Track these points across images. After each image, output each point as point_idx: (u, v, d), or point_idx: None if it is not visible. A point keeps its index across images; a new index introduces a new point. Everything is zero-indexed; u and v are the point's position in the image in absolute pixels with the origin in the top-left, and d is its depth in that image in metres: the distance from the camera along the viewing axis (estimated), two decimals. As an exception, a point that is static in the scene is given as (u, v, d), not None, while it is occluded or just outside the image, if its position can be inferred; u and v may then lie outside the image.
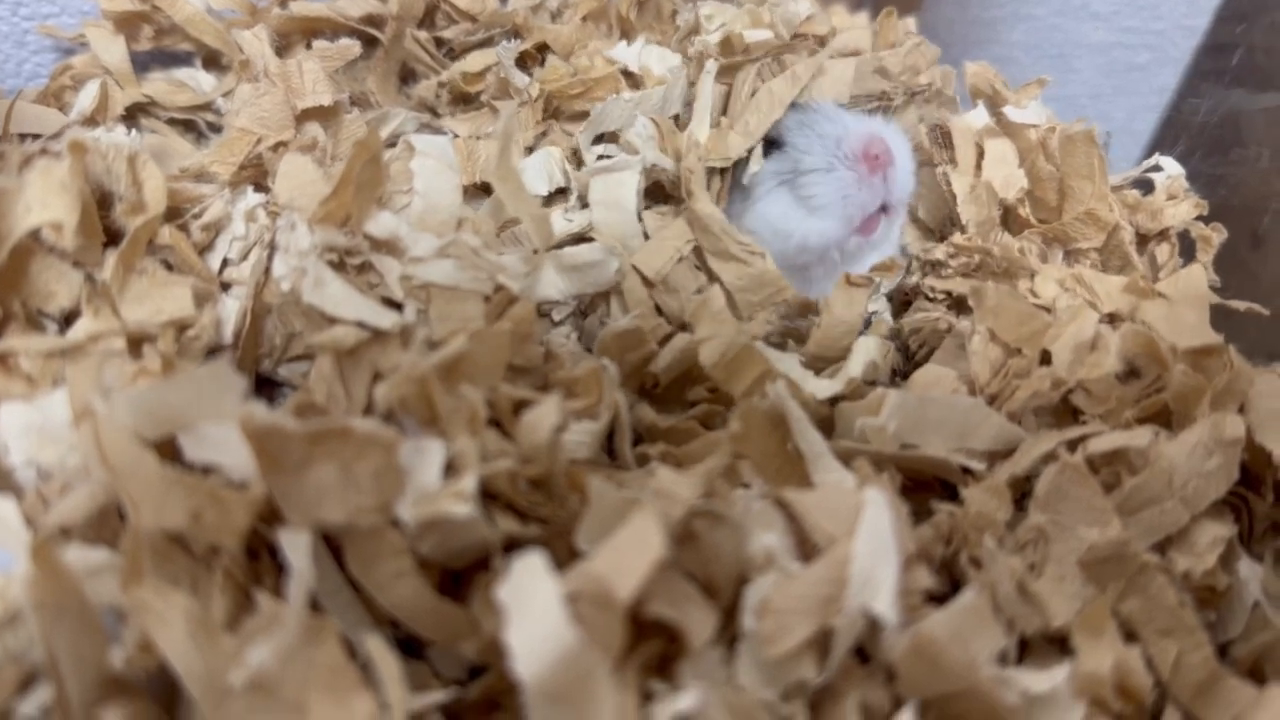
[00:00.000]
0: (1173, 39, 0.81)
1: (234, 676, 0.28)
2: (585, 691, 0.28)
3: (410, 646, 0.34)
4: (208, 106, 0.57)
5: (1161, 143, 0.63)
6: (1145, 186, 0.49)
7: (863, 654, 0.33)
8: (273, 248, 0.41)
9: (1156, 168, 0.48)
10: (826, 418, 0.43)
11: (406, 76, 0.60)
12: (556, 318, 0.47)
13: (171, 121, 0.57)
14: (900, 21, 0.61)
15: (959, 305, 0.48)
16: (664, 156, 0.48)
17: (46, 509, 0.33)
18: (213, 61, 0.59)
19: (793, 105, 0.49)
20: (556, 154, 0.50)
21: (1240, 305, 0.44)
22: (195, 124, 0.58)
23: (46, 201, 0.35)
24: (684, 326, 0.45)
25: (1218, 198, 0.47)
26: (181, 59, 0.60)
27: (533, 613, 0.28)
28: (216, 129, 0.57)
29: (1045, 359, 0.43)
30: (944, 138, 0.53)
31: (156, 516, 0.29)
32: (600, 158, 0.48)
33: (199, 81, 0.58)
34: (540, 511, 0.35)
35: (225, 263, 0.43)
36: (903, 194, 0.48)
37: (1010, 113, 0.52)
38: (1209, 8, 0.71)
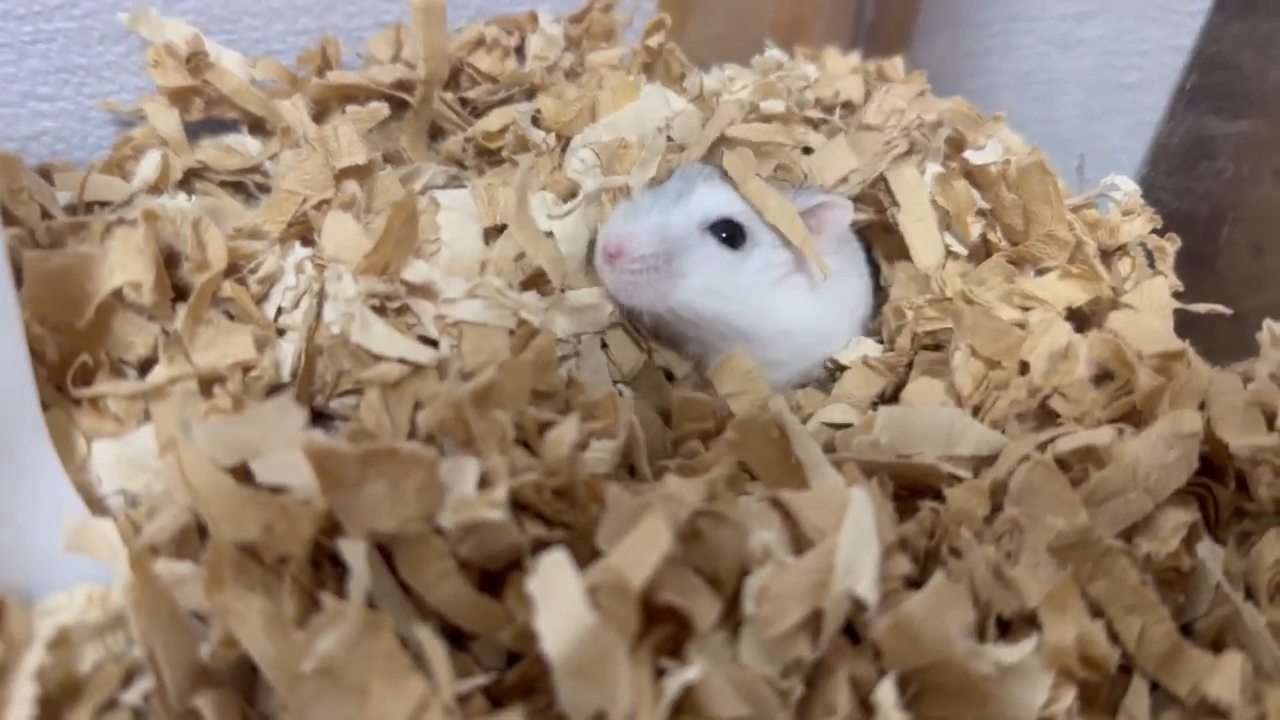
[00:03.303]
0: (1159, 59, 0.85)
1: (305, 665, 0.33)
2: (605, 668, 0.32)
3: (454, 639, 0.38)
4: (255, 169, 0.63)
5: (1153, 158, 0.67)
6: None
7: (853, 634, 0.37)
8: (322, 296, 0.46)
9: (1114, 186, 0.52)
10: (829, 439, 0.47)
11: (435, 133, 0.65)
12: (559, 354, 0.51)
13: (222, 184, 0.63)
14: (890, 63, 0.66)
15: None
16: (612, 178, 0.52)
17: (135, 529, 0.38)
18: (257, 127, 0.65)
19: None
20: (549, 197, 0.54)
21: (1203, 308, 0.48)
22: (245, 185, 0.63)
23: (127, 264, 0.40)
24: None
25: (1189, 208, 0.51)
26: (229, 126, 0.66)
27: (558, 602, 0.33)
28: (264, 189, 0.62)
29: (1023, 369, 0.47)
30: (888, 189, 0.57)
31: (234, 530, 0.34)
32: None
33: (246, 146, 0.64)
34: (564, 518, 0.39)
35: (279, 311, 0.48)
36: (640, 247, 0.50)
37: (972, 155, 0.56)
38: (1193, 28, 0.74)
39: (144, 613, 0.33)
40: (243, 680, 0.35)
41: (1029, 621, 0.40)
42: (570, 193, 0.54)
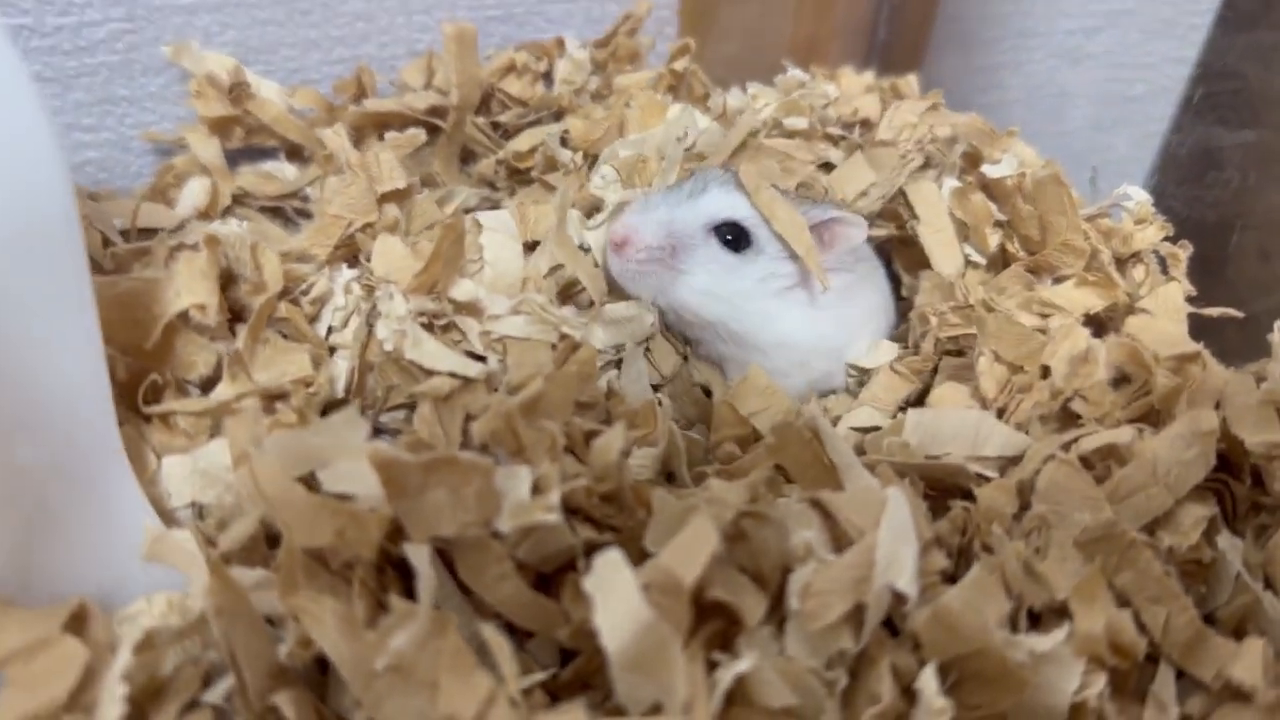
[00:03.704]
0: (1164, 70, 0.87)
1: (378, 663, 0.35)
2: (661, 661, 0.34)
3: (512, 639, 0.40)
4: (294, 194, 0.65)
5: (1163, 167, 0.69)
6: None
7: (892, 627, 0.39)
8: (373, 315, 0.48)
9: (1127, 196, 0.54)
10: (859, 442, 0.49)
11: (466, 157, 0.68)
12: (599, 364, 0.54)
13: (262, 209, 0.65)
14: (905, 81, 0.68)
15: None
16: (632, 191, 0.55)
17: (206, 540, 0.40)
18: (295, 154, 0.67)
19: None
20: (576, 214, 0.56)
21: (1214, 312, 0.50)
22: (283, 210, 0.66)
23: (192, 287, 0.42)
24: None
25: (1198, 216, 0.53)
26: (265, 154, 0.68)
27: (615, 599, 0.35)
28: (303, 214, 0.65)
29: (1044, 373, 0.48)
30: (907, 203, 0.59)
31: (307, 536, 0.36)
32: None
33: (284, 173, 0.66)
34: (613, 521, 0.41)
35: (330, 330, 0.50)
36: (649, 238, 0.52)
37: (988, 169, 0.58)
38: (1197, 40, 0.77)
39: (225, 616, 0.35)
40: (314, 680, 0.37)
41: (1058, 613, 0.41)
42: (595, 208, 0.57)
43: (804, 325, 0.54)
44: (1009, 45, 0.83)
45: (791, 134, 0.55)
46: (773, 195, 0.51)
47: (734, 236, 0.52)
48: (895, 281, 0.60)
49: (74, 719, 0.34)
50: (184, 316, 0.43)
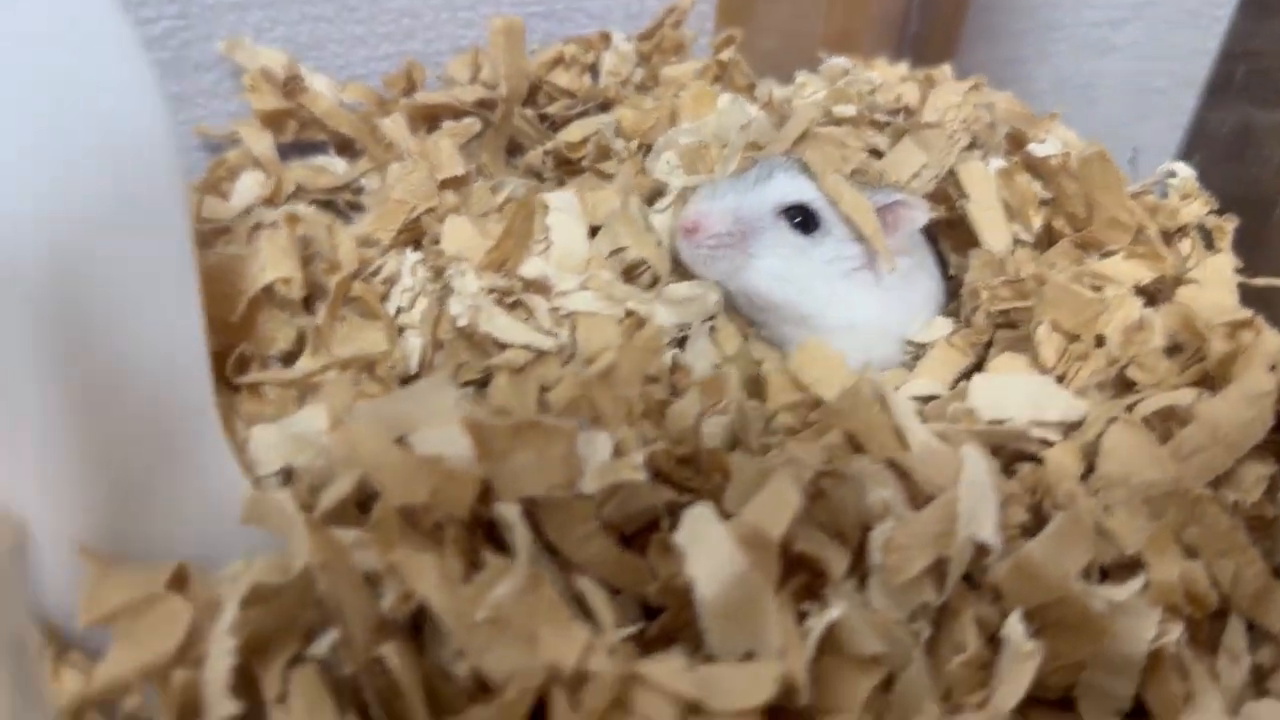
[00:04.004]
0: (1188, 63, 0.88)
1: (479, 614, 0.35)
2: (754, 608, 0.35)
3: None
4: (345, 188, 0.66)
5: (1187, 155, 0.70)
6: (1166, 191, 0.57)
7: (970, 581, 0.40)
8: (443, 293, 0.49)
9: (1172, 174, 0.56)
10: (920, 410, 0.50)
11: (512, 150, 0.69)
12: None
13: (313, 202, 0.67)
14: (939, 71, 0.69)
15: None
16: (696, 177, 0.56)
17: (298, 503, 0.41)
18: (345, 148, 0.68)
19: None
20: (636, 200, 0.58)
21: (1261, 282, 0.51)
22: (335, 203, 0.67)
23: (277, 262, 0.44)
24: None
25: (1240, 193, 0.55)
26: (316, 148, 0.69)
27: (707, 550, 0.36)
28: (355, 207, 0.66)
29: (1099, 342, 0.50)
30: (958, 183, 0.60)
31: (404, 495, 0.37)
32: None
33: (335, 166, 0.68)
34: (691, 484, 0.42)
35: (398, 310, 0.51)
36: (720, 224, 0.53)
37: (1034, 148, 0.59)
38: (1218, 31, 0.78)
39: (329, 571, 0.36)
40: (410, 635, 0.38)
41: (1128, 570, 0.42)
42: (653, 194, 0.58)
43: (870, 307, 0.55)
44: (1036, 38, 0.85)
45: (840, 121, 0.57)
46: (838, 178, 0.52)
47: (802, 219, 0.53)
48: (942, 263, 0.61)
49: (183, 672, 0.35)
50: (268, 291, 0.44)
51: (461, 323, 0.47)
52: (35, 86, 0.31)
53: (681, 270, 0.54)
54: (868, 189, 0.54)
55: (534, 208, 0.47)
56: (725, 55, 0.66)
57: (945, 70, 0.70)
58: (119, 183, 0.33)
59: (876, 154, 0.57)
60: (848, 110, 0.57)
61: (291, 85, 0.63)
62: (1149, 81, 0.91)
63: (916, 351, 0.55)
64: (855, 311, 0.55)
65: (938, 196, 0.59)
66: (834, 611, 0.36)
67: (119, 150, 0.32)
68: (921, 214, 0.54)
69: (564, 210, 0.51)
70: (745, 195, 0.53)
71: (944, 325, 0.55)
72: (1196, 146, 0.56)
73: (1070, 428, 0.47)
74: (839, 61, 0.64)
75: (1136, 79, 0.90)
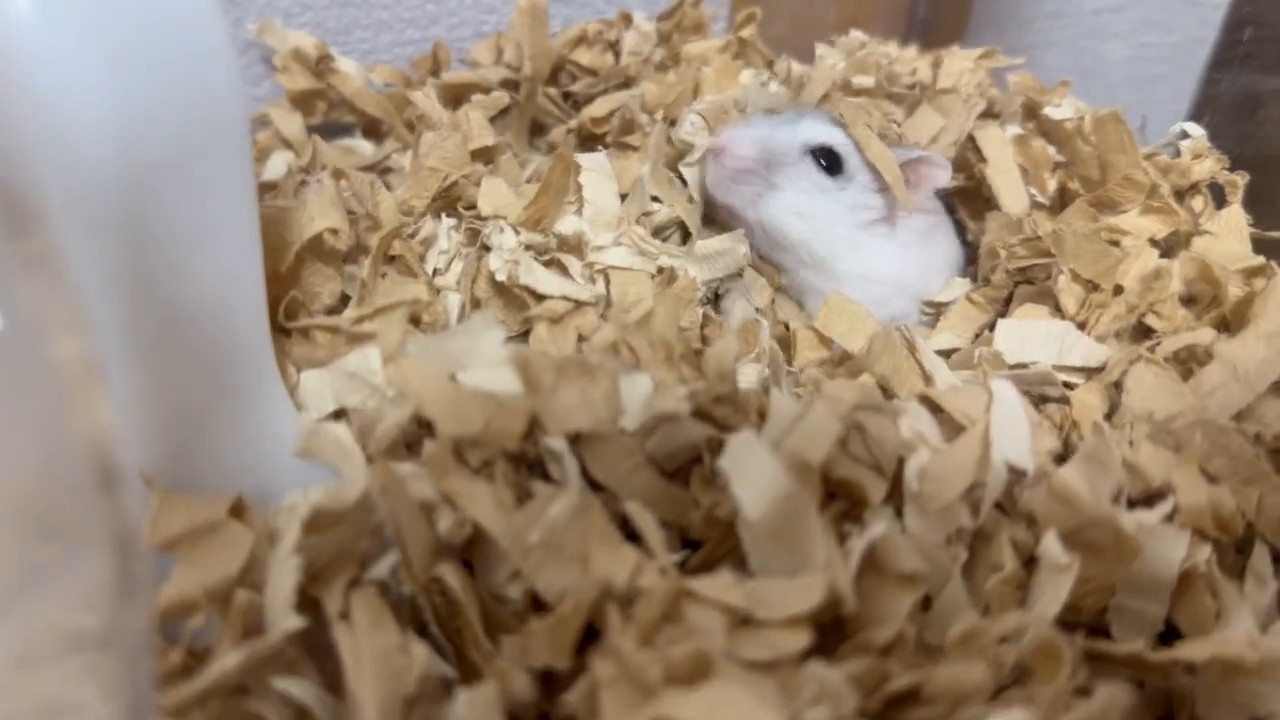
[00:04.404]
0: (1186, 49, 0.91)
1: (532, 536, 0.37)
2: (799, 525, 0.36)
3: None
4: (373, 168, 0.68)
5: (1211, 111, 0.71)
6: (1177, 152, 0.59)
7: (1003, 510, 0.41)
8: (481, 252, 0.50)
9: (1184, 134, 0.57)
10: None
11: (535, 130, 0.71)
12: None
13: (342, 181, 0.68)
14: (948, 52, 0.71)
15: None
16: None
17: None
18: (371, 131, 0.70)
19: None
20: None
21: (1276, 235, 0.53)
22: (362, 183, 0.68)
23: (325, 213, 0.45)
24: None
25: (1247, 153, 0.56)
26: (344, 130, 0.71)
27: (752, 471, 0.37)
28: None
29: (1117, 291, 0.51)
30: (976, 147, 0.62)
31: (458, 426, 0.38)
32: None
33: (362, 148, 0.69)
34: (730, 422, 0.43)
35: (435, 271, 0.52)
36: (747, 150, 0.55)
37: (1050, 111, 0.61)
38: (1215, 20, 0.80)
39: (388, 495, 0.37)
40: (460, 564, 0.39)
41: (1154, 502, 0.44)
42: (677, 162, 0.59)
43: (886, 260, 0.56)
44: (1041, 25, 0.87)
45: (859, 92, 0.58)
46: (868, 130, 0.53)
47: (828, 161, 0.55)
48: (959, 229, 0.63)
49: (245, 592, 0.36)
50: (315, 242, 0.45)
51: (500, 277, 0.48)
52: (118, 28, 0.32)
53: (712, 222, 0.56)
54: (894, 147, 0.56)
55: (570, 159, 0.48)
56: (746, 32, 0.67)
57: (954, 51, 0.72)
58: (192, 123, 0.34)
59: (895, 124, 0.58)
60: (867, 81, 0.59)
61: (322, 66, 0.65)
62: (1148, 68, 0.93)
63: (936, 311, 0.57)
64: (870, 262, 0.56)
65: (956, 164, 0.61)
66: (877, 528, 0.37)
67: (192, 90, 0.34)
68: (944, 172, 0.55)
69: (596, 169, 0.52)
70: (777, 129, 0.55)
71: (962, 284, 0.57)
72: (1203, 114, 0.57)
73: (1092, 372, 0.48)
74: (856, 35, 0.66)
75: (1136, 65, 0.92)
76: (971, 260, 0.61)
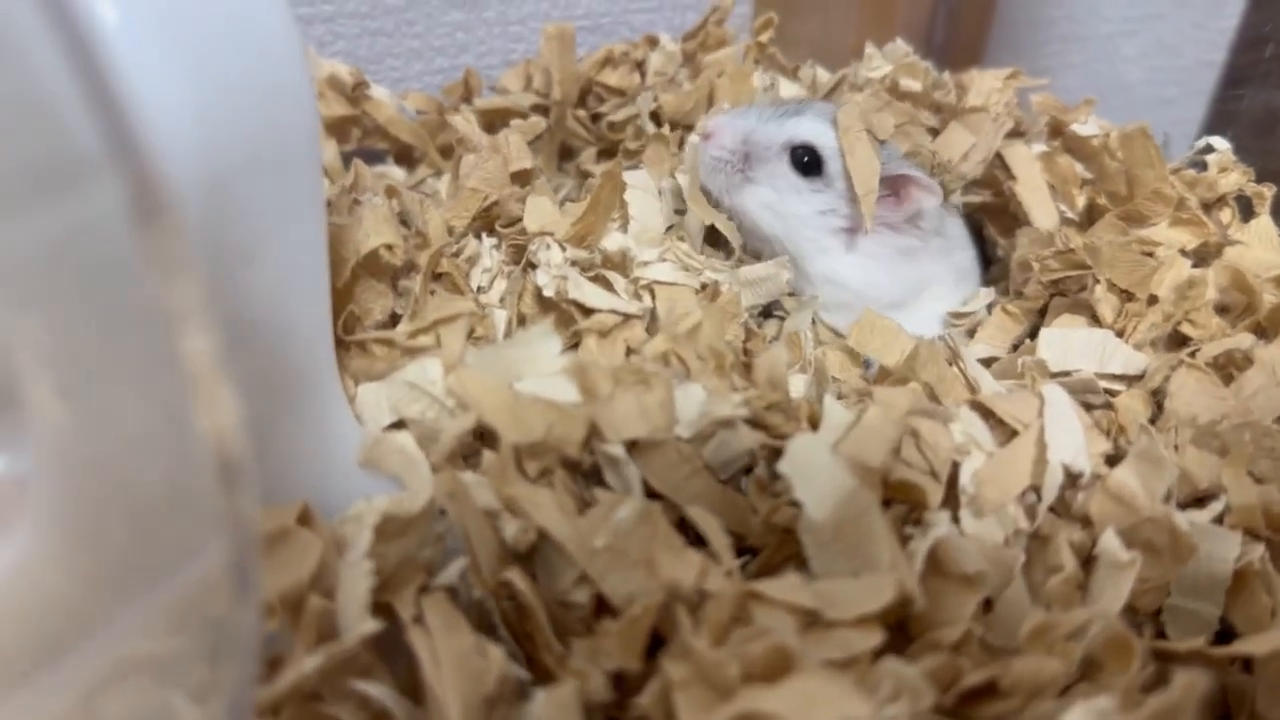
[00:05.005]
0: (1195, 74, 0.92)
1: (598, 541, 0.37)
2: (864, 525, 0.37)
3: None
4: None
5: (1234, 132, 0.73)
6: (1201, 167, 0.60)
7: (1055, 512, 0.42)
8: (528, 267, 0.51)
9: (1209, 148, 0.59)
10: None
11: (564, 154, 0.72)
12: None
13: (374, 207, 0.69)
14: (968, 75, 0.72)
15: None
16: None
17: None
18: (403, 157, 0.71)
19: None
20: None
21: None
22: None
23: (380, 229, 0.46)
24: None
25: (1271, 168, 0.58)
26: (376, 157, 0.72)
27: (813, 473, 0.37)
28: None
29: (1152, 301, 0.52)
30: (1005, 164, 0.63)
31: (520, 433, 0.39)
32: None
33: (393, 174, 0.70)
34: (782, 430, 0.44)
35: (479, 289, 0.53)
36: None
37: (1077, 128, 0.62)
38: (1223, 43, 0.82)
39: (456, 501, 0.37)
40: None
41: (1202, 505, 0.44)
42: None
43: (852, 269, 0.56)
44: (1055, 49, 0.89)
45: (905, 96, 0.60)
46: (859, 135, 0.54)
47: (808, 160, 0.55)
48: (981, 247, 0.64)
49: (317, 599, 0.36)
50: (372, 258, 0.46)
51: (549, 293, 0.49)
52: (202, 41, 0.33)
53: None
54: (897, 159, 0.56)
55: (619, 178, 0.49)
56: (764, 37, 0.69)
57: (974, 74, 0.73)
58: (268, 135, 0.35)
59: (934, 132, 0.59)
60: (914, 85, 0.60)
61: (357, 93, 0.66)
62: (1158, 92, 0.95)
63: (964, 323, 0.57)
64: (836, 268, 0.57)
65: (984, 182, 0.62)
66: (939, 529, 0.37)
67: (270, 103, 0.34)
68: (931, 196, 0.55)
69: (639, 187, 0.53)
70: (764, 123, 0.56)
71: (987, 295, 0.58)
72: (1219, 133, 0.59)
73: (1132, 380, 0.49)
74: (900, 44, 0.67)
75: (1146, 88, 0.93)
76: (1003, 276, 0.62)
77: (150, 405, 0.25)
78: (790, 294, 0.56)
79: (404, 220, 0.50)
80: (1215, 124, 0.80)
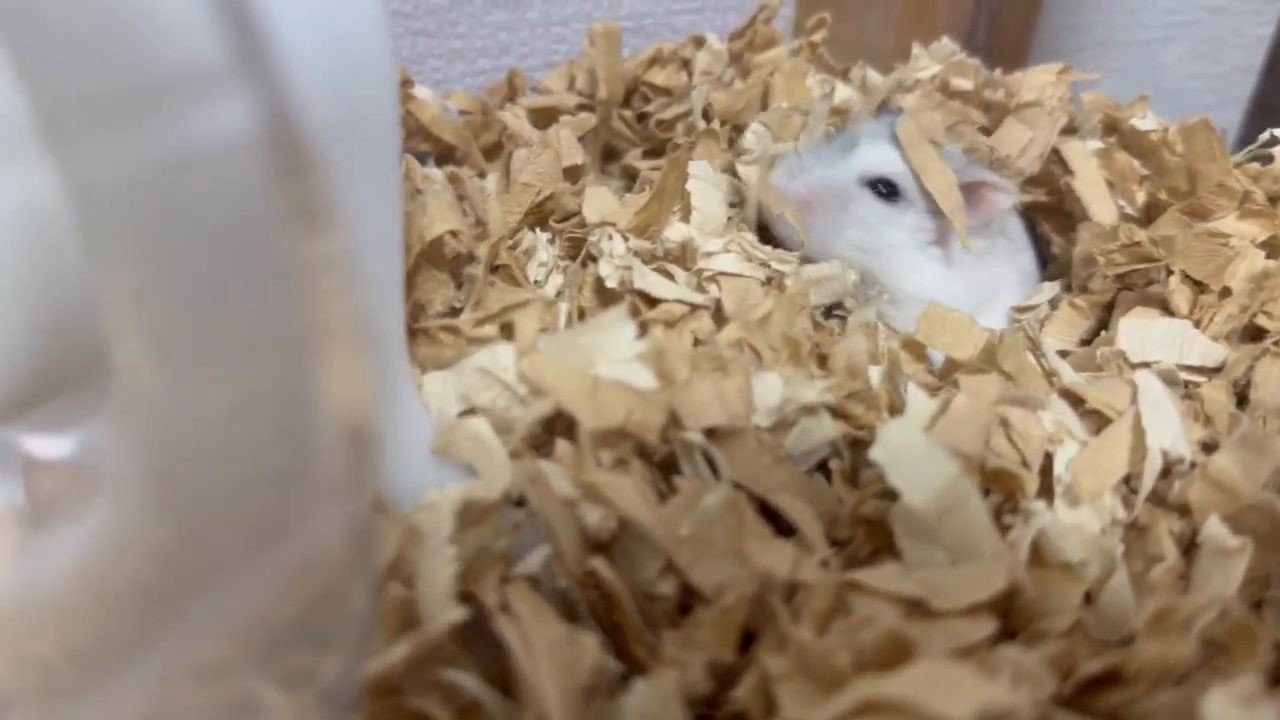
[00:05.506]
0: (1233, 80, 0.92)
1: (683, 529, 0.36)
2: (965, 515, 0.35)
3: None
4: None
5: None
6: (1264, 161, 0.59)
7: (1151, 501, 0.40)
8: (587, 259, 0.50)
9: (1273, 140, 0.58)
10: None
11: (608, 155, 0.71)
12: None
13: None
14: (1013, 78, 0.72)
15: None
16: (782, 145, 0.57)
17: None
18: (444, 159, 0.70)
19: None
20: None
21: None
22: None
23: (444, 216, 0.44)
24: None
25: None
26: (418, 160, 0.71)
27: (910, 458, 0.36)
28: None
29: (1224, 293, 0.51)
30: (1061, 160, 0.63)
31: (600, 418, 0.37)
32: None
33: (435, 176, 0.69)
34: (863, 420, 0.43)
35: (535, 283, 0.52)
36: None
37: (1136, 122, 0.61)
38: (1261, 49, 0.82)
39: (537, 487, 0.36)
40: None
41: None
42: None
43: (937, 282, 0.55)
44: (1091, 54, 0.88)
45: (955, 94, 0.59)
46: (926, 150, 0.53)
47: (887, 189, 0.54)
48: (1039, 243, 0.63)
49: (398, 586, 0.34)
50: (436, 244, 0.45)
51: (611, 283, 0.48)
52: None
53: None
54: (963, 161, 0.55)
55: (685, 165, 0.48)
56: (817, 37, 0.68)
57: (1019, 77, 0.73)
58: (347, 92, 0.34)
59: (986, 131, 0.58)
60: (965, 84, 0.59)
61: (403, 92, 0.65)
62: (1196, 99, 0.95)
63: (1028, 316, 0.56)
64: (923, 283, 0.55)
65: (1039, 179, 0.61)
66: (1043, 517, 0.36)
67: (348, 56, 0.33)
68: (1008, 197, 0.54)
69: (702, 177, 0.52)
70: (833, 166, 0.54)
71: (1050, 289, 0.56)
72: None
73: (1210, 372, 0.48)
74: (947, 43, 0.66)
75: (1184, 96, 0.93)
76: (1061, 274, 0.61)
77: (262, 367, 0.23)
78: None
79: (464, 210, 0.49)
80: (1249, 135, 0.80)
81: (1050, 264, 0.63)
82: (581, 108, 0.68)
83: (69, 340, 0.32)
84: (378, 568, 0.24)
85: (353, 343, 0.21)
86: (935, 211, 0.55)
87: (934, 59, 0.63)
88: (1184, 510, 0.39)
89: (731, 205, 0.54)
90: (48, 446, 0.35)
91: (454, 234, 0.44)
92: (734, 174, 0.58)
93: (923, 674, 0.28)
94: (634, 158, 0.68)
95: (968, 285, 0.57)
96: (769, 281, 0.50)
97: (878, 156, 0.55)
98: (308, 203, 0.20)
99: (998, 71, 0.66)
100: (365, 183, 0.35)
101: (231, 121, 0.19)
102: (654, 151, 0.67)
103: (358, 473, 0.22)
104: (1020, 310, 0.57)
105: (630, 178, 0.69)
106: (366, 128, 0.34)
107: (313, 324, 0.21)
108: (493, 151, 0.67)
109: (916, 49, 0.64)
